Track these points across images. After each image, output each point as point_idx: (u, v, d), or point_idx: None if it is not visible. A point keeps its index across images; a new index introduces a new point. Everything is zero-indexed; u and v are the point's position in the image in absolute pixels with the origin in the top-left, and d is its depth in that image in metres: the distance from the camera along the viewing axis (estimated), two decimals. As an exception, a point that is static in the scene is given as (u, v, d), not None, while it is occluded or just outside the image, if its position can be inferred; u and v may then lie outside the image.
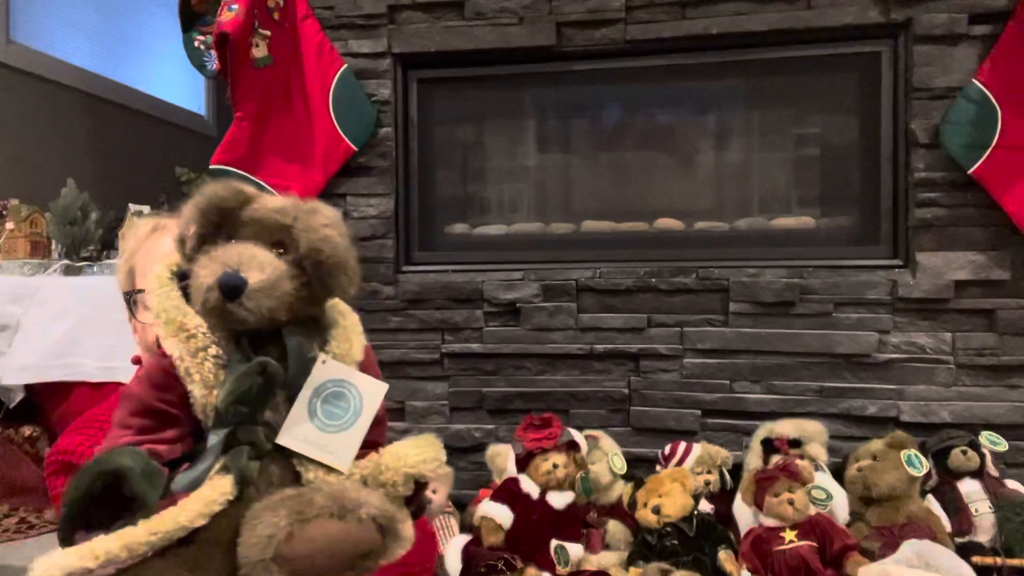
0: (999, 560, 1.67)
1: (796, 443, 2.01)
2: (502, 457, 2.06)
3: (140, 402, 0.64)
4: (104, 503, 0.56)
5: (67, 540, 0.56)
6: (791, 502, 1.71)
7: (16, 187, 2.81)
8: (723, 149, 2.48)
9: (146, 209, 2.53)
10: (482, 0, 2.35)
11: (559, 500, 1.90)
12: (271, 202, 0.66)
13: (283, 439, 0.63)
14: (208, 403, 0.62)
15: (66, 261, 2.47)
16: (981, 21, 2.10)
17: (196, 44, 2.47)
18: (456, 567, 1.77)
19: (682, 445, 2.10)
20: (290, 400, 0.64)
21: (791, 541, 1.68)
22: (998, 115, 2.05)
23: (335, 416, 0.64)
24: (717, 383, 2.25)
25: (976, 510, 1.84)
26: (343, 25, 2.41)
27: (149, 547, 0.55)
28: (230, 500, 0.59)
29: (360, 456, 0.66)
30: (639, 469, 2.13)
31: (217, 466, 0.60)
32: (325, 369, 0.65)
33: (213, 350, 0.64)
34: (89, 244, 2.56)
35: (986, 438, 1.96)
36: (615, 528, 1.94)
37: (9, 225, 2.48)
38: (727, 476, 2.06)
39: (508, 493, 1.90)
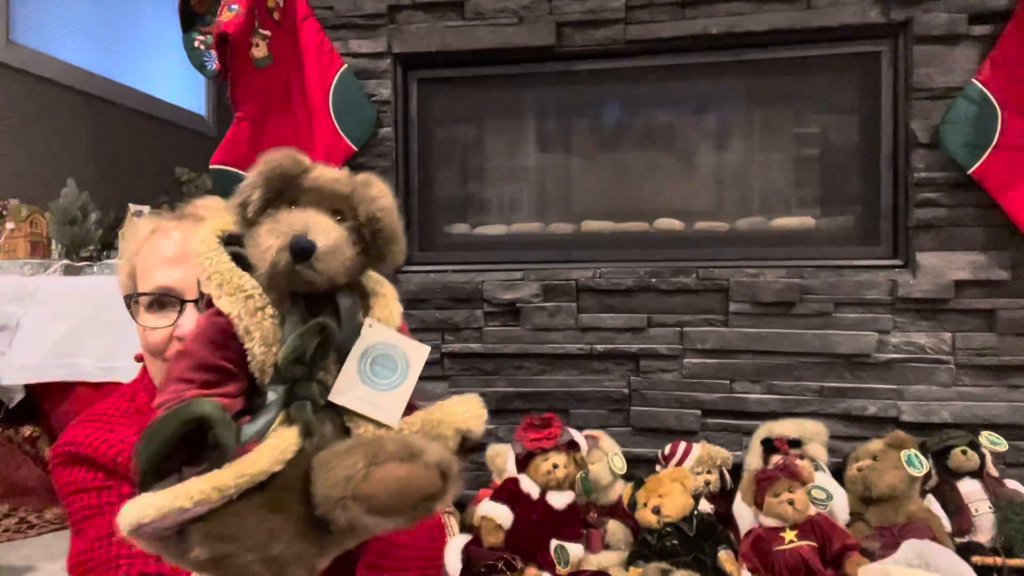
0: (999, 560, 1.67)
1: (796, 443, 2.02)
2: (502, 457, 2.06)
3: (200, 359, 0.66)
4: (177, 451, 0.59)
5: (145, 485, 0.59)
6: (791, 502, 1.71)
7: (16, 187, 2.81)
8: (723, 149, 2.48)
9: (146, 209, 2.53)
10: (482, 0, 2.35)
11: (559, 500, 1.90)
12: (327, 172, 0.70)
13: (336, 397, 0.67)
14: (267, 360, 0.65)
15: (66, 261, 2.47)
16: (981, 21, 2.10)
17: (196, 44, 2.47)
18: (456, 567, 1.77)
19: (682, 445, 2.10)
20: (339, 360, 0.68)
21: (791, 541, 1.68)
22: (998, 115, 2.05)
23: (384, 376, 0.68)
24: (717, 383, 2.25)
25: (976, 510, 1.84)
26: (343, 25, 2.41)
27: (236, 490, 0.58)
28: (299, 449, 0.63)
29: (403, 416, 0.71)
30: (639, 469, 2.13)
31: (279, 419, 0.64)
32: (372, 332, 0.69)
33: (270, 310, 0.66)
34: (89, 244, 2.56)
35: (986, 438, 1.96)
36: (615, 528, 1.94)
37: (9, 225, 2.48)
38: (727, 476, 2.06)
39: (508, 493, 1.90)
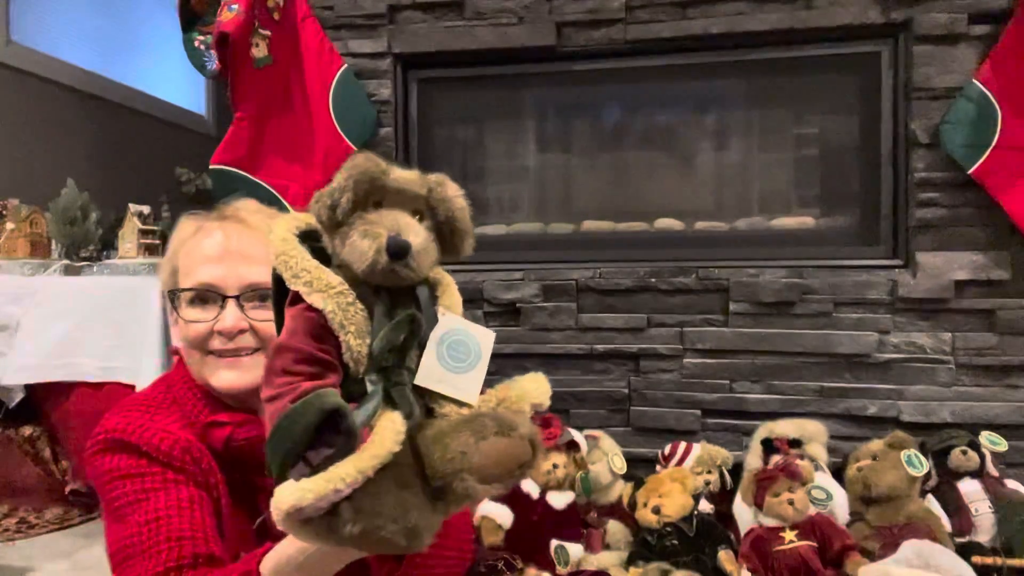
0: (999, 560, 1.67)
1: (796, 443, 2.01)
2: (502, 457, 2.05)
3: (302, 352, 0.70)
4: (334, 438, 0.65)
5: (284, 474, 0.65)
6: (791, 502, 1.71)
7: (16, 187, 2.81)
8: (723, 149, 2.48)
9: (146, 209, 2.53)
10: (482, 0, 2.35)
11: (559, 500, 1.89)
12: (405, 173, 0.76)
13: (421, 381, 0.73)
14: (362, 351, 0.71)
15: (66, 261, 2.47)
16: (981, 21, 2.10)
17: (196, 44, 2.47)
18: (456, 567, 1.77)
19: (682, 445, 2.10)
20: (419, 348, 0.74)
21: (791, 541, 1.68)
22: (998, 115, 2.05)
23: (459, 359, 0.75)
24: (717, 383, 2.25)
25: (976, 510, 1.84)
26: (343, 25, 2.41)
27: (372, 470, 0.64)
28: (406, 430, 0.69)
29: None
30: (639, 469, 2.13)
31: (380, 404, 0.70)
32: (446, 320, 0.76)
33: (359, 303, 0.71)
34: (89, 244, 2.56)
35: (986, 438, 1.95)
36: (615, 528, 1.94)
37: (9, 225, 2.48)
38: (727, 476, 2.06)
39: (508, 493, 1.90)
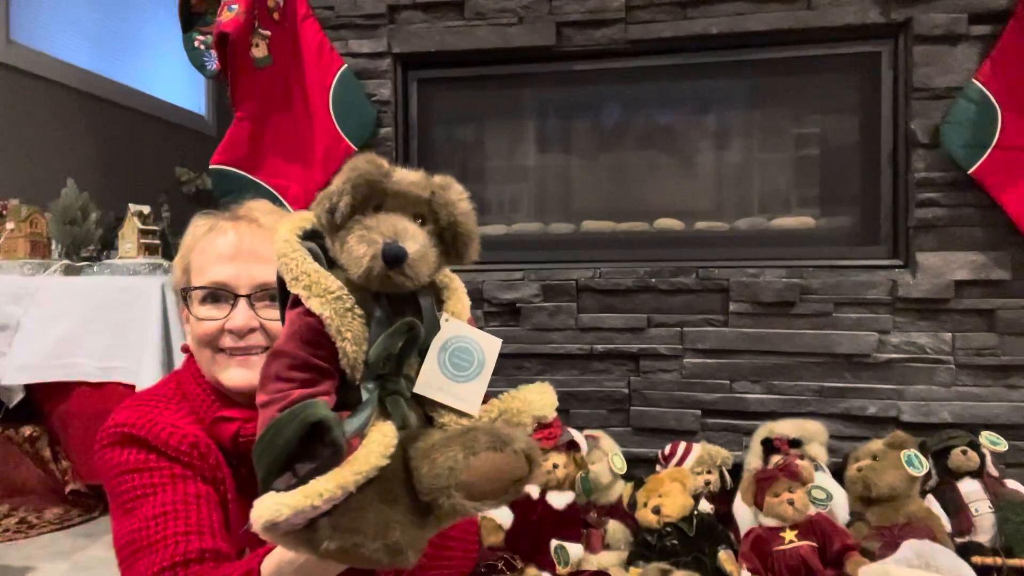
0: (999, 560, 1.67)
1: (796, 443, 2.01)
2: (502, 457, 2.05)
3: (297, 358, 0.69)
4: (317, 450, 0.65)
5: (267, 484, 0.64)
6: (791, 502, 1.71)
7: (16, 187, 2.81)
8: (723, 149, 2.48)
9: (146, 209, 2.53)
10: (482, 0, 2.35)
11: (559, 500, 1.89)
12: (408, 176, 0.73)
13: (420, 389, 0.71)
14: (358, 358, 0.69)
15: (66, 261, 2.47)
16: (981, 21, 2.10)
17: (196, 44, 2.47)
18: (456, 567, 1.77)
19: (682, 445, 2.10)
20: (420, 355, 0.72)
21: (791, 541, 1.68)
22: (998, 115, 2.05)
23: (462, 368, 0.73)
24: (717, 383, 2.25)
25: (976, 510, 1.84)
26: (343, 25, 2.41)
27: (354, 486, 0.63)
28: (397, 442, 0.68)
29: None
30: (639, 469, 2.13)
31: (374, 413, 0.68)
32: (449, 327, 0.74)
33: (357, 309, 0.70)
34: (89, 244, 2.56)
35: (986, 438, 1.95)
36: (615, 528, 1.94)
37: (9, 225, 2.47)
38: (727, 476, 2.06)
39: (508, 493, 1.89)
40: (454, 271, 0.80)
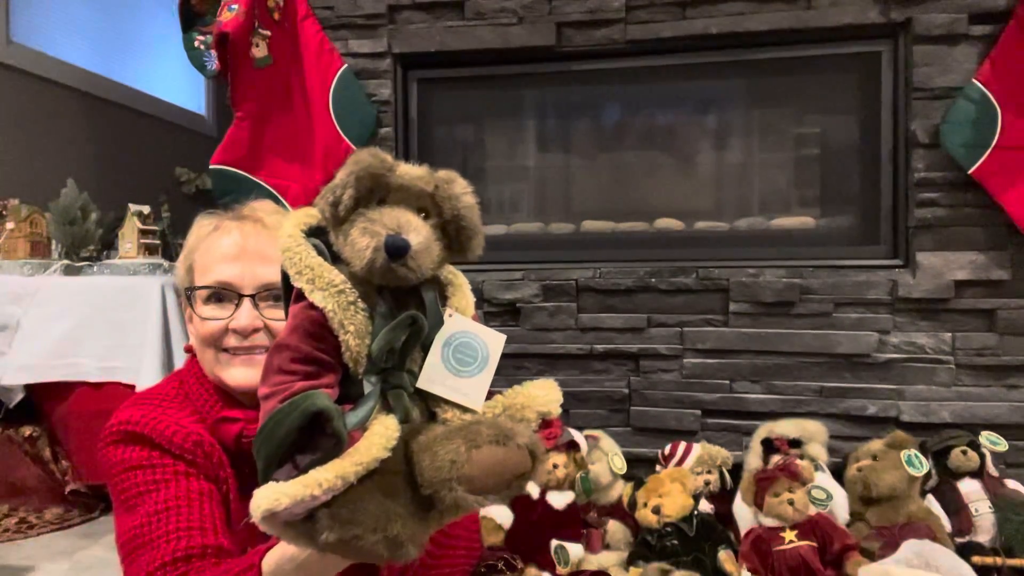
0: (999, 560, 1.67)
1: (796, 443, 2.01)
2: (502, 457, 2.05)
3: (299, 351, 0.70)
4: (294, 440, 0.64)
5: (268, 476, 0.64)
6: (791, 502, 1.71)
7: (16, 187, 2.81)
8: (723, 149, 2.48)
9: (146, 209, 2.53)
10: (482, 0, 2.35)
11: (559, 500, 1.90)
12: (412, 170, 0.73)
13: (424, 384, 0.71)
14: (361, 351, 0.69)
15: (66, 261, 2.47)
16: (981, 21, 2.10)
17: (196, 44, 2.47)
18: (456, 567, 1.77)
19: (682, 445, 2.10)
20: (423, 349, 0.72)
21: (791, 541, 1.68)
22: (998, 115, 2.05)
23: (465, 363, 0.72)
24: (717, 383, 2.25)
25: (976, 510, 1.84)
26: (343, 25, 2.41)
27: (355, 477, 0.63)
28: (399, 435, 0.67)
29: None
30: (639, 469, 2.13)
31: (376, 407, 0.68)
32: (452, 322, 0.73)
33: (360, 303, 0.70)
34: (89, 244, 2.56)
35: (986, 438, 1.95)
36: (615, 528, 1.94)
37: (9, 225, 2.47)
38: (727, 476, 2.06)
39: (508, 493, 1.89)
40: (458, 267, 0.80)
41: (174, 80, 3.94)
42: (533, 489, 1.90)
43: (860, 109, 2.29)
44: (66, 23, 3.36)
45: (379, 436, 0.65)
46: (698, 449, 2.08)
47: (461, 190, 0.73)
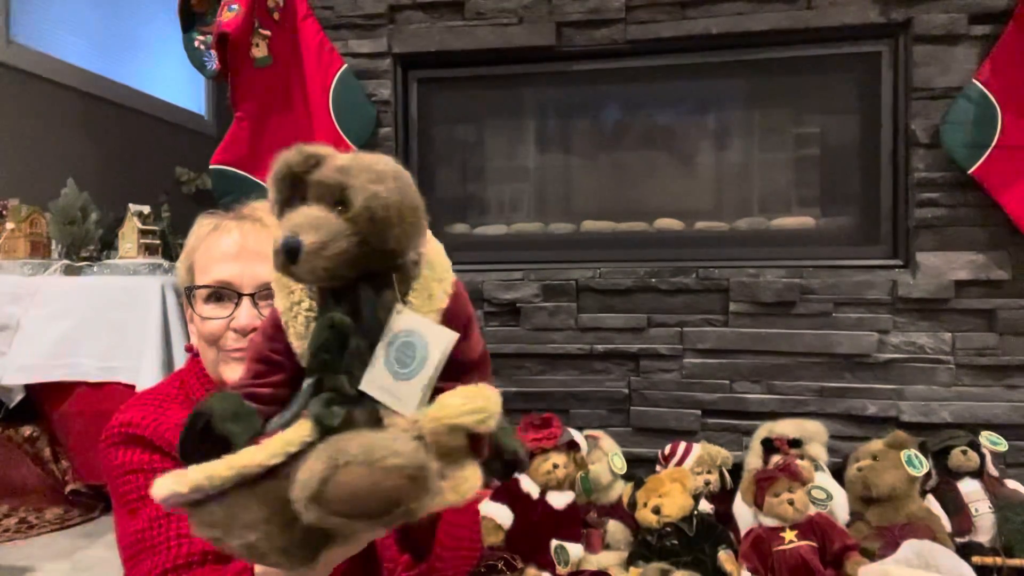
0: (999, 560, 1.67)
1: (796, 443, 2.01)
2: (502, 457, 2.05)
3: (255, 350, 0.72)
4: (206, 441, 0.64)
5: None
6: (791, 502, 1.71)
7: (16, 187, 2.81)
8: (723, 149, 2.48)
9: (146, 209, 2.53)
10: (482, 0, 2.35)
11: (559, 500, 1.90)
12: (336, 161, 0.69)
13: (363, 386, 0.67)
14: (303, 354, 0.69)
15: (66, 261, 2.47)
16: (981, 21, 2.10)
17: (196, 44, 2.47)
18: (456, 567, 1.77)
19: (682, 445, 2.10)
20: (372, 349, 0.68)
21: (791, 541, 1.68)
22: (998, 115, 2.05)
23: (404, 364, 0.67)
24: (717, 383, 2.25)
25: (976, 510, 1.84)
26: (343, 25, 2.41)
27: (230, 480, 0.62)
28: (311, 442, 0.64)
29: None
30: (639, 469, 2.13)
31: (302, 411, 0.67)
32: (399, 319, 0.69)
33: (306, 304, 0.70)
34: (89, 244, 2.56)
35: (986, 438, 1.96)
36: (615, 528, 1.94)
37: (9, 225, 2.47)
38: (727, 476, 2.06)
39: (508, 493, 1.90)
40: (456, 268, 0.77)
41: (174, 80, 3.94)
42: (533, 489, 1.90)
43: (860, 109, 2.29)
44: (66, 23, 3.36)
45: (276, 441, 0.63)
46: (698, 449, 2.08)
47: (369, 178, 0.66)
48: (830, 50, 2.27)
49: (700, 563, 1.72)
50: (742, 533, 1.81)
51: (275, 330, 0.71)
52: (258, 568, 0.86)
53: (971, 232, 2.13)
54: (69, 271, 2.43)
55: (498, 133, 2.61)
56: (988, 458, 1.94)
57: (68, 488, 2.33)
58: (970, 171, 2.07)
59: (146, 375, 2.15)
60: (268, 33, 2.23)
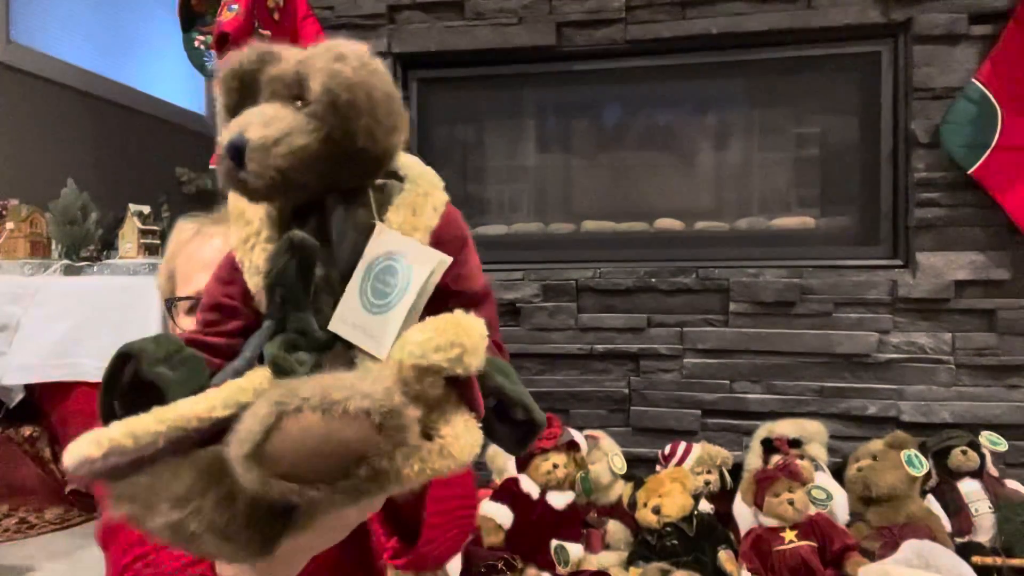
0: (999, 560, 1.67)
1: (796, 443, 2.02)
2: (502, 457, 2.06)
3: (208, 296, 0.59)
4: (133, 392, 0.50)
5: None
6: (791, 502, 1.71)
7: (16, 187, 2.81)
8: (723, 149, 2.48)
9: (146, 209, 2.53)
10: (482, 0, 2.35)
11: (559, 500, 1.90)
12: (295, 54, 0.56)
13: (333, 324, 0.54)
14: (260, 292, 0.56)
15: (66, 261, 2.47)
16: (981, 21, 2.10)
17: (196, 44, 2.48)
18: (456, 567, 1.77)
19: (682, 445, 2.10)
20: (345, 280, 0.55)
21: (791, 541, 1.68)
22: (998, 115, 2.05)
23: (382, 295, 0.53)
24: (717, 383, 2.25)
25: (976, 510, 1.84)
26: (343, 25, 2.41)
27: (159, 437, 0.47)
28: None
29: None
30: (639, 469, 2.13)
31: (255, 357, 0.54)
32: (379, 241, 0.55)
33: (265, 234, 0.57)
34: (89, 244, 2.56)
35: (986, 438, 1.96)
36: (615, 528, 1.94)
37: (9, 225, 2.48)
38: (727, 476, 2.06)
39: (508, 493, 1.90)
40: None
41: (174, 80, 3.94)
42: (533, 489, 1.90)
43: (860, 109, 2.29)
44: (66, 23, 3.36)
45: (221, 391, 0.50)
46: (698, 449, 2.08)
47: (335, 57, 0.52)
48: (830, 50, 2.27)
49: (700, 563, 1.72)
50: (742, 533, 1.81)
51: (230, 271, 0.58)
52: None
53: (971, 232, 2.13)
54: (69, 271, 2.43)
55: (498, 133, 2.61)
56: (988, 458, 1.94)
57: (68, 488, 2.33)
58: (970, 171, 2.07)
59: (146, 375, 2.14)
60: (268, 33, 2.23)
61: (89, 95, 3.39)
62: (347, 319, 0.53)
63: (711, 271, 2.26)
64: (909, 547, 1.61)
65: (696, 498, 1.86)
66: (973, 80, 2.07)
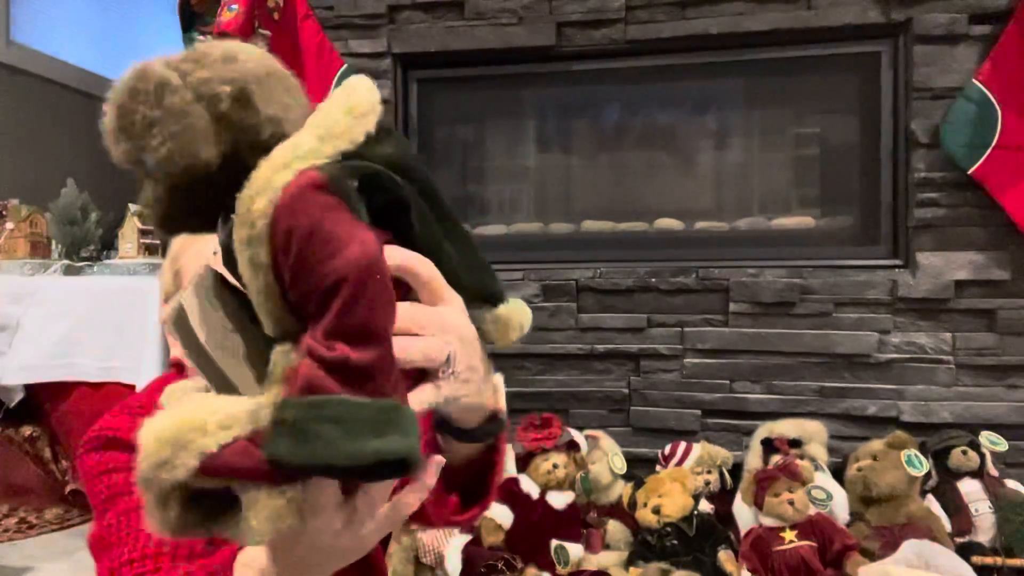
0: (999, 560, 1.67)
1: (796, 443, 2.02)
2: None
3: None
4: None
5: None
6: (791, 502, 1.71)
7: (16, 187, 2.81)
8: (723, 149, 2.48)
9: (146, 209, 2.53)
10: (482, 0, 2.35)
11: (559, 500, 1.90)
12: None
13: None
14: None
15: (66, 261, 2.46)
16: (981, 21, 2.10)
17: (196, 44, 2.47)
18: (456, 567, 1.77)
19: (682, 445, 2.10)
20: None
21: (791, 541, 1.68)
22: (998, 115, 2.05)
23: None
24: (717, 383, 2.25)
25: (976, 510, 1.84)
26: (343, 25, 2.41)
27: None
28: None
29: None
30: (639, 469, 2.13)
31: None
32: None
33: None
34: (89, 244, 2.56)
35: (986, 438, 1.96)
36: (615, 528, 1.94)
37: (9, 225, 2.47)
38: (727, 476, 2.06)
39: (508, 493, 1.90)
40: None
41: (174, 80, 3.93)
42: (533, 489, 1.90)
43: (860, 109, 2.29)
44: (66, 23, 3.36)
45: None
46: (698, 449, 2.08)
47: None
48: (830, 50, 2.27)
49: (700, 563, 1.72)
50: (742, 533, 1.81)
51: None
52: (241, 558, 0.80)
53: (971, 232, 2.13)
54: (69, 271, 2.43)
55: (498, 133, 2.61)
56: (988, 458, 1.94)
57: (68, 488, 2.33)
58: (970, 171, 2.07)
59: (146, 375, 2.15)
60: (268, 33, 2.23)
61: (89, 95, 3.39)
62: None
63: (711, 271, 2.26)
64: (909, 547, 1.61)
65: (696, 498, 1.86)
66: (973, 80, 2.07)
